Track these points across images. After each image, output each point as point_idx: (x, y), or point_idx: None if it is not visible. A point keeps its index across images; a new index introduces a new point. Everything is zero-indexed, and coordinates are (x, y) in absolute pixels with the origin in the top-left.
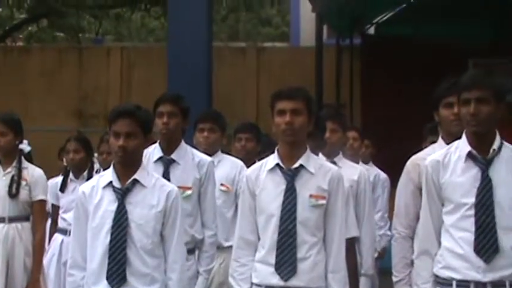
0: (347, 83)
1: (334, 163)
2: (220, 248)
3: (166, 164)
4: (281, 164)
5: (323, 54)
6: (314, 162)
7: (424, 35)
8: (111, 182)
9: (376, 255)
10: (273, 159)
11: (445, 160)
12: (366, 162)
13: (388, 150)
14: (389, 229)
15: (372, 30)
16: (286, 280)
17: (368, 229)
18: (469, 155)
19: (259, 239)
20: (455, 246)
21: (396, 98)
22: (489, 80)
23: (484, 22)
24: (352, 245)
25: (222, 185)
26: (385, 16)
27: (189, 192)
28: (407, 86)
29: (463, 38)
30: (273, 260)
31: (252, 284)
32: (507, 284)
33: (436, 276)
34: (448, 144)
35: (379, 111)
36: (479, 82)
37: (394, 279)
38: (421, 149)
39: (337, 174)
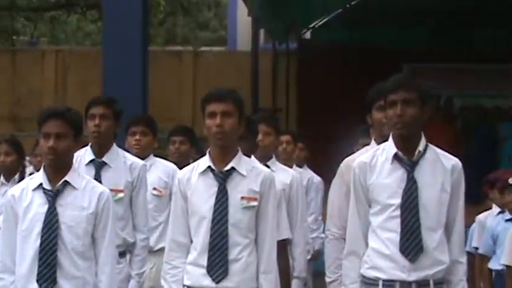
0: (283, 87)
1: (268, 166)
2: (151, 252)
3: (98, 166)
4: (213, 166)
5: (260, 59)
6: (246, 164)
7: (360, 40)
8: (41, 184)
9: (309, 257)
10: (204, 161)
11: (372, 162)
12: (300, 166)
13: (323, 154)
14: (323, 231)
15: (308, 35)
16: (217, 282)
17: (301, 232)
18: (395, 156)
19: (191, 241)
20: (381, 246)
21: (332, 101)
22: (415, 83)
23: (420, 28)
24: (284, 246)
25: (154, 189)
26: (321, 21)
27: (120, 195)
28: (343, 90)
29: (399, 43)
30: (204, 262)
31: (184, 286)
32: (431, 282)
33: (363, 276)
34: None
35: (315, 115)
36: (405, 84)
37: (327, 279)
38: (353, 152)
39: (268, 176)
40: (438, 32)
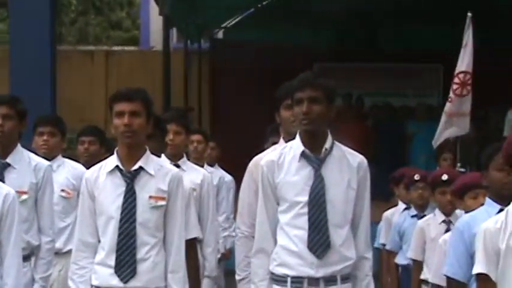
0: (196, 87)
1: (178, 166)
2: (59, 254)
3: (1, 168)
4: (120, 166)
5: (172, 58)
6: (153, 163)
7: (272, 40)
8: None
9: (219, 256)
10: (112, 161)
11: (280, 160)
12: (211, 165)
13: (236, 153)
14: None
15: (221, 35)
16: (125, 282)
17: (211, 231)
18: (303, 154)
19: (99, 241)
20: (289, 243)
21: (244, 101)
22: (321, 81)
23: (330, 28)
24: (192, 245)
25: (62, 190)
26: (233, 20)
27: (24, 197)
28: (255, 90)
29: (310, 42)
30: (112, 262)
31: (91, 286)
32: (338, 278)
33: (272, 273)
34: None
35: (228, 114)
36: (312, 82)
37: (237, 277)
38: (263, 150)
39: (176, 175)
40: (347, 32)
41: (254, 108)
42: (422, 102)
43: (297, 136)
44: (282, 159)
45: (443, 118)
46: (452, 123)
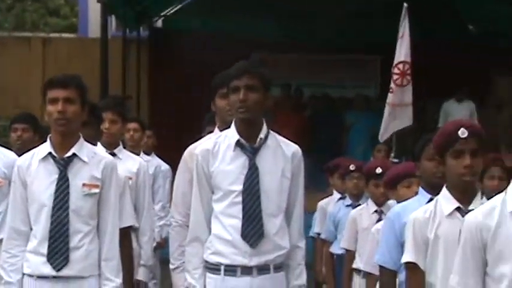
0: (135, 75)
1: (114, 154)
2: None
3: None
4: (53, 152)
5: (110, 46)
6: (87, 151)
7: (212, 28)
8: None
9: (155, 244)
10: (45, 148)
11: (215, 149)
12: (147, 153)
13: (175, 141)
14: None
15: (160, 23)
16: (58, 270)
17: (147, 220)
18: (238, 143)
19: (31, 229)
20: (223, 232)
21: (183, 90)
22: (258, 70)
23: (270, 18)
24: (127, 234)
25: None
26: (173, 9)
27: None
28: (194, 79)
29: (250, 32)
30: (45, 250)
31: (23, 274)
32: (271, 267)
33: (206, 262)
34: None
35: (166, 102)
36: (249, 71)
37: (171, 266)
38: (200, 138)
39: (110, 163)
40: (287, 23)
41: (193, 97)
42: (360, 93)
43: (232, 125)
44: (217, 148)
45: (387, 110)
46: (396, 114)
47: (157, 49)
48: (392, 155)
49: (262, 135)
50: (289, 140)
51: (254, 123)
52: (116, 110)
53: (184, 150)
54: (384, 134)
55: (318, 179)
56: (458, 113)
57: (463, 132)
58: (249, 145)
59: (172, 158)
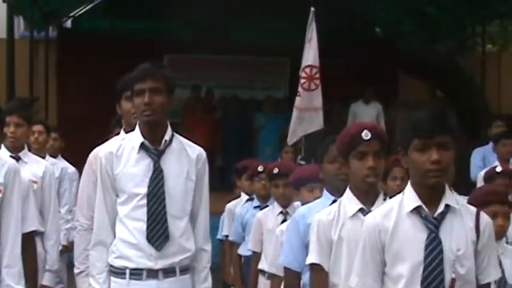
0: (43, 76)
1: (19, 158)
2: None
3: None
4: None
5: (18, 47)
6: None
7: (122, 29)
8: None
9: (61, 248)
10: None
11: (119, 151)
12: (54, 156)
13: (83, 144)
14: None
15: (69, 24)
16: None
17: (53, 224)
18: (142, 146)
19: None
20: (128, 236)
21: (92, 91)
22: (162, 72)
23: (182, 19)
24: (30, 239)
25: None
26: (82, 9)
27: None
28: (103, 80)
29: (160, 32)
30: None
31: None
32: (177, 270)
33: (111, 266)
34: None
35: (76, 104)
36: (152, 73)
37: (76, 271)
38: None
39: (13, 167)
40: (198, 23)
41: (102, 99)
42: (270, 95)
43: (137, 127)
44: (121, 150)
45: (294, 113)
46: (304, 118)
47: (66, 50)
48: (299, 156)
49: (166, 137)
50: (198, 141)
51: (159, 126)
52: (21, 113)
53: (89, 151)
54: (292, 137)
55: (227, 180)
56: (366, 114)
57: (366, 134)
58: (154, 148)
59: (80, 161)
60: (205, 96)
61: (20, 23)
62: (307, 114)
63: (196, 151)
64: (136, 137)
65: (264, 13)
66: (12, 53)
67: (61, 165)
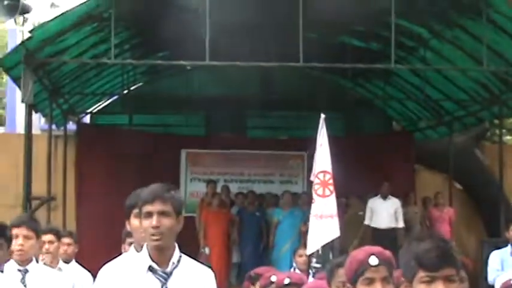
0: (61, 171)
1: (26, 271)
2: None
3: None
4: None
5: (38, 142)
6: None
7: (139, 125)
8: None
9: None
10: None
11: (126, 272)
12: (67, 262)
13: (99, 245)
14: None
15: (87, 119)
16: None
17: None
18: (150, 268)
19: None
20: None
21: (111, 186)
22: (170, 194)
23: (197, 115)
24: None
25: None
26: (100, 105)
27: None
28: (122, 175)
29: (177, 129)
30: None
31: None
32: None
33: None
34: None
35: (93, 202)
36: (161, 196)
37: None
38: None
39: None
40: (213, 119)
41: (120, 195)
42: (288, 189)
43: (144, 248)
44: (129, 271)
45: (312, 221)
46: (322, 226)
47: (84, 144)
48: (314, 260)
49: (174, 259)
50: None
51: (166, 249)
52: (30, 225)
53: (107, 256)
54: (311, 248)
55: (242, 277)
56: (384, 210)
57: (373, 260)
58: (161, 270)
59: (95, 262)
60: (221, 191)
61: (40, 117)
62: (324, 221)
63: (204, 272)
64: (144, 259)
65: (281, 107)
66: (30, 150)
67: (74, 272)
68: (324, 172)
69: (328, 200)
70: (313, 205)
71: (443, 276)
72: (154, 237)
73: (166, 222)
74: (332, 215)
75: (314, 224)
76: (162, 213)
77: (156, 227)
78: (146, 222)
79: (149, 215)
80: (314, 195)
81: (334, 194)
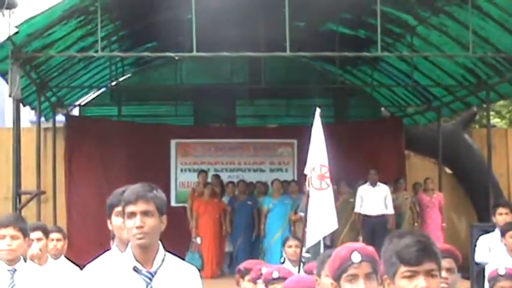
0: (51, 163)
1: (15, 271)
2: None
3: None
4: None
5: (27, 135)
6: None
7: (129, 116)
8: None
9: None
10: None
11: (109, 273)
12: (56, 258)
13: (89, 237)
14: None
15: (76, 111)
16: None
17: None
18: (134, 268)
19: None
20: None
21: (101, 178)
22: (153, 194)
23: (186, 105)
24: None
25: None
26: (88, 97)
27: None
28: (112, 166)
29: (167, 119)
30: None
31: None
32: None
33: None
34: (122, 252)
35: (83, 194)
36: (144, 196)
37: None
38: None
39: None
40: (203, 109)
41: (110, 186)
42: (278, 177)
43: (128, 248)
44: (112, 272)
45: (309, 215)
46: (319, 220)
47: (73, 136)
48: (304, 249)
49: (158, 259)
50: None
51: (151, 248)
52: (17, 224)
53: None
54: (310, 242)
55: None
56: (373, 197)
57: (356, 257)
58: (146, 270)
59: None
60: (212, 181)
61: (29, 111)
62: (320, 214)
63: (189, 271)
64: (128, 259)
65: (271, 96)
66: (19, 145)
67: (63, 267)
68: (321, 165)
69: (325, 193)
70: (310, 199)
71: (425, 270)
72: (138, 236)
73: (150, 222)
74: (330, 209)
75: (312, 217)
76: (145, 213)
77: (139, 227)
78: (130, 223)
79: (132, 215)
80: (311, 189)
81: (331, 187)
